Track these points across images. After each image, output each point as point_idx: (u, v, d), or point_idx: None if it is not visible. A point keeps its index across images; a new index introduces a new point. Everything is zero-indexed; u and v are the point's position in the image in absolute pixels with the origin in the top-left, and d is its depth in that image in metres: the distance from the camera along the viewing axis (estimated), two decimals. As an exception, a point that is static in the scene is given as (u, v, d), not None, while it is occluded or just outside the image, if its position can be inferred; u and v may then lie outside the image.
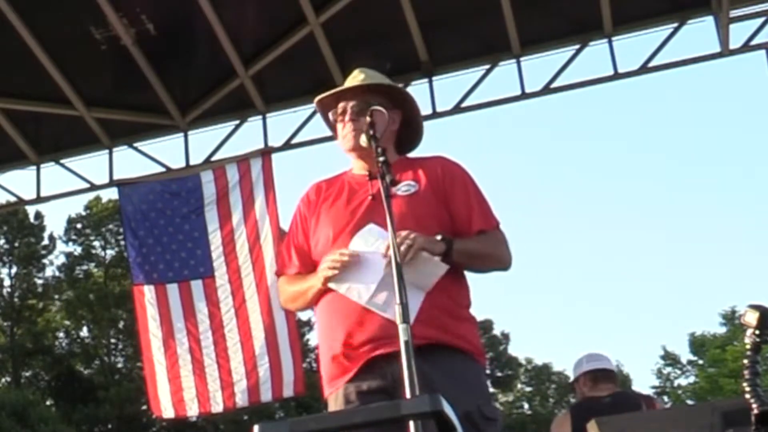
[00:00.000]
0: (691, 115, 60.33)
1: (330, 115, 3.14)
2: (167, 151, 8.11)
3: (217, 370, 7.27)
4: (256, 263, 7.31)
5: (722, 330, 36.90)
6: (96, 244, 34.94)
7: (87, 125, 7.78)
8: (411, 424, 2.12)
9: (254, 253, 7.32)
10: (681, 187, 58.20)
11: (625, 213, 60.63)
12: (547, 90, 7.36)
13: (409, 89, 7.11)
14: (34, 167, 8.18)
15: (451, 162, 3.10)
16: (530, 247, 44.65)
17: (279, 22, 7.19)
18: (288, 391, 7.24)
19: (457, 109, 7.51)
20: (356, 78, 3.12)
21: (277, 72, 7.41)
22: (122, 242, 27.49)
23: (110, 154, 8.06)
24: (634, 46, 7.32)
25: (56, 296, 34.53)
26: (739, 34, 7.04)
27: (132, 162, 8.20)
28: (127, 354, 33.35)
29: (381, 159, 2.69)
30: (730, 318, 35.76)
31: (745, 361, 2.18)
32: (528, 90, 7.34)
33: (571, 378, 5.26)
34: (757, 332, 2.16)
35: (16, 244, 33.45)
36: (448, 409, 2.04)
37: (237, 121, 7.87)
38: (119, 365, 34.12)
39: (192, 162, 7.93)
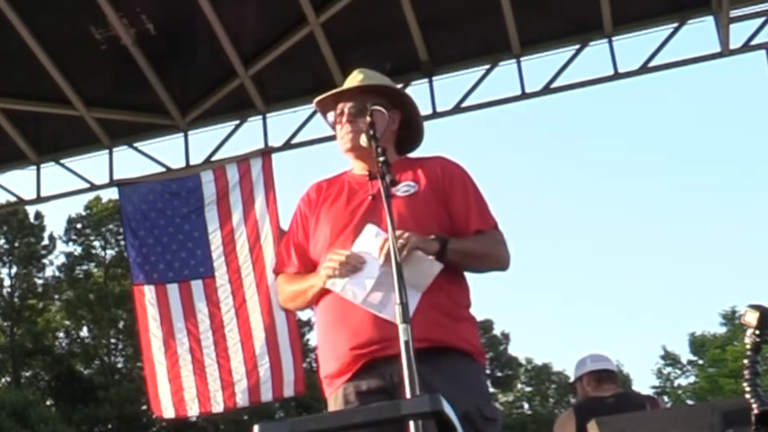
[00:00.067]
0: (691, 115, 60.40)
1: (330, 116, 3.15)
2: (167, 151, 8.13)
3: (218, 369, 7.27)
4: (256, 263, 7.31)
5: (722, 330, 36.93)
6: (96, 244, 34.96)
7: (87, 125, 7.78)
8: (411, 424, 2.12)
9: (254, 253, 7.32)
10: (681, 187, 58.26)
11: (625, 213, 60.70)
12: (547, 90, 7.36)
13: (409, 89, 7.16)
14: (34, 167, 8.18)
15: (451, 162, 3.10)
16: (530, 247, 44.76)
17: (279, 22, 7.19)
18: (288, 391, 7.25)
19: (457, 109, 7.51)
20: (355, 79, 3.12)
21: (277, 72, 7.41)
22: (122, 242, 27.49)
23: (110, 154, 8.06)
24: (634, 46, 7.34)
25: (56, 296, 34.53)
26: (739, 34, 7.06)
27: (132, 162, 8.21)
28: (127, 354, 33.36)
29: (381, 159, 2.69)
30: (730, 318, 35.76)
31: (745, 361, 2.18)
32: (528, 90, 7.34)
33: (572, 378, 5.25)
34: (757, 332, 2.16)
35: (16, 244, 33.45)
36: (448, 409, 2.03)
37: (237, 121, 7.88)
38: (119, 365, 34.13)
39: (192, 162, 7.93)
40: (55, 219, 54.61)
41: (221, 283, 7.39)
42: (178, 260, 7.48)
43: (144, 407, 28.14)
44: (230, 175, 7.50)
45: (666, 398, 35.93)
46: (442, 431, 2.05)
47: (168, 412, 7.42)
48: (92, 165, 8.23)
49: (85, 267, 34.77)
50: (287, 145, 7.83)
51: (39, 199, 8.41)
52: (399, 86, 3.48)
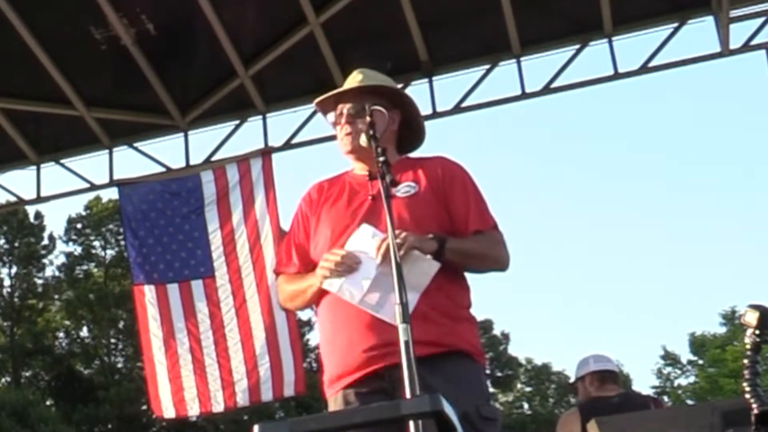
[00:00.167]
0: (691, 115, 60.38)
1: (330, 116, 3.14)
2: (167, 151, 8.13)
3: (218, 369, 7.27)
4: (256, 263, 7.32)
5: (722, 330, 36.93)
6: (96, 244, 34.95)
7: (87, 125, 7.78)
8: (411, 424, 2.12)
9: (254, 253, 7.33)
10: (681, 187, 58.25)
11: (625, 213, 60.68)
12: (547, 90, 7.37)
13: (409, 89, 7.16)
14: (34, 167, 8.18)
15: (452, 162, 3.10)
16: (530, 247, 44.74)
17: (279, 22, 7.19)
18: (288, 391, 7.25)
19: (457, 109, 7.51)
20: (355, 79, 3.12)
21: (277, 72, 7.41)
22: (122, 242, 27.50)
23: (110, 154, 8.06)
24: (634, 46, 7.34)
25: (56, 296, 34.53)
26: (739, 34, 7.06)
27: (132, 162, 8.21)
28: (127, 354, 33.36)
29: (381, 159, 2.69)
30: (730, 318, 35.76)
31: (745, 361, 2.18)
32: (528, 90, 7.34)
33: (573, 377, 5.25)
34: (757, 332, 2.16)
35: (16, 244, 33.45)
36: (448, 409, 2.03)
37: (237, 121, 7.88)
38: (119, 365, 34.13)
39: (192, 162, 7.93)
40: (55, 219, 54.64)
41: (221, 283, 7.39)
42: (178, 260, 7.48)
43: (144, 407, 28.16)
44: (230, 175, 7.51)
45: (666, 398, 35.92)
46: (442, 431, 2.05)
47: (168, 411, 7.42)
48: (92, 165, 8.25)
49: (85, 267, 34.77)
50: (287, 145, 7.83)
51: (39, 199, 8.41)
52: (399, 86, 3.47)
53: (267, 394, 7.30)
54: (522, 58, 7.29)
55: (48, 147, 8.12)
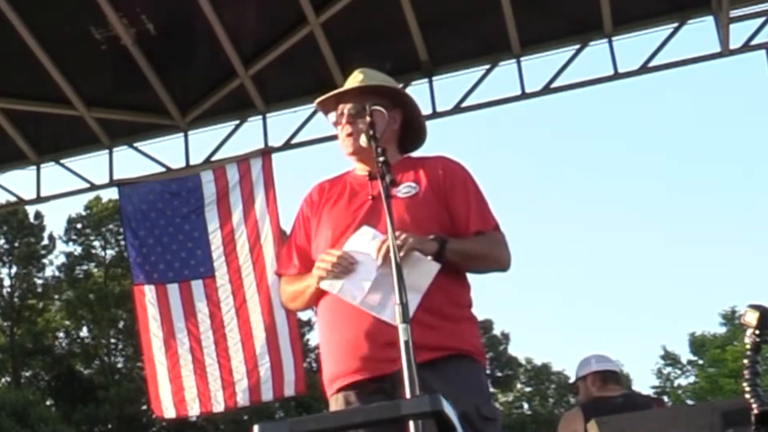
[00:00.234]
0: (691, 115, 60.36)
1: (331, 116, 3.14)
2: (167, 151, 8.13)
3: (218, 369, 7.28)
4: (256, 263, 7.32)
5: (722, 330, 36.92)
6: (96, 244, 34.94)
7: (87, 125, 7.78)
8: (411, 424, 2.12)
9: (254, 253, 7.33)
10: (681, 187, 58.23)
11: (625, 213, 60.65)
12: (547, 90, 7.37)
13: (409, 89, 7.15)
14: (34, 167, 8.18)
15: (453, 162, 3.10)
16: (530, 247, 44.68)
17: (279, 22, 7.19)
18: (289, 391, 7.26)
19: (457, 109, 7.51)
20: (355, 79, 3.11)
21: (277, 72, 7.42)
22: (122, 242, 27.49)
23: (110, 154, 8.06)
24: (634, 46, 7.34)
25: (56, 296, 34.52)
26: (739, 34, 7.06)
27: (132, 162, 8.22)
28: (127, 354, 33.35)
29: (380, 159, 2.69)
30: (730, 318, 35.75)
31: (745, 361, 2.19)
32: (528, 90, 7.34)
33: (574, 377, 5.24)
34: (757, 332, 2.16)
35: (16, 244, 33.44)
36: (448, 409, 2.04)
37: (237, 121, 7.88)
38: (119, 365, 34.12)
39: (192, 162, 7.93)
40: (55, 219, 54.62)
41: (221, 283, 7.40)
42: (178, 260, 7.49)
43: (144, 407, 28.17)
44: (230, 175, 7.51)
45: (666, 398, 35.91)
46: (442, 431, 2.05)
47: (169, 411, 7.42)
48: (92, 165, 8.25)
49: (85, 267, 34.76)
50: (287, 145, 7.83)
51: (39, 199, 8.41)
52: (399, 86, 3.47)
53: (267, 394, 7.30)
54: (522, 58, 7.29)
55: (48, 147, 8.13)
